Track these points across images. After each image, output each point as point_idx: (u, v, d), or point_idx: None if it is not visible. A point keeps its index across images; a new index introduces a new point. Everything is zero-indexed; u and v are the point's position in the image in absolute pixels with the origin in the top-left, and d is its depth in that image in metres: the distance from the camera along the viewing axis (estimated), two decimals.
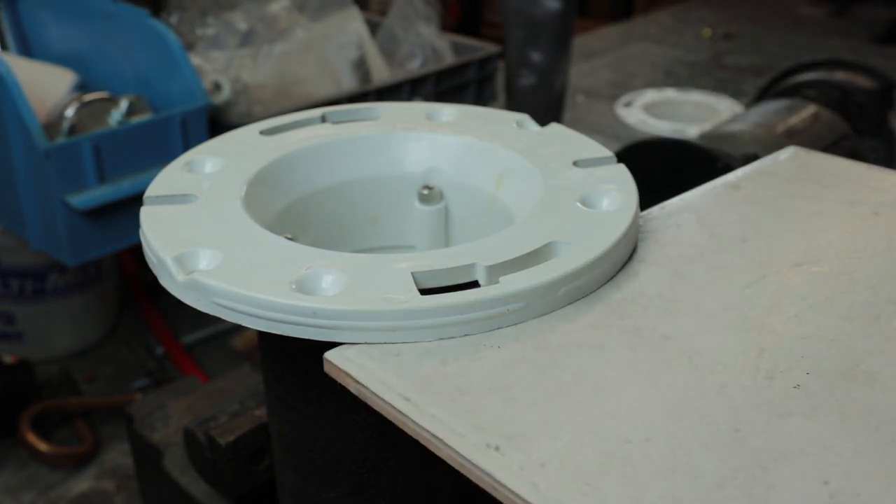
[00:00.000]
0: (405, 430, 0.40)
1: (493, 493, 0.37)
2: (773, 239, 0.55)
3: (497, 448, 0.38)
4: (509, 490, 0.36)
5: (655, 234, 0.55)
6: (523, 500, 0.35)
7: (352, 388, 0.42)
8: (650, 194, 0.77)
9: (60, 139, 1.22)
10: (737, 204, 0.59)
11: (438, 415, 0.40)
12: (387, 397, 0.41)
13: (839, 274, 0.52)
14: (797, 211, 0.59)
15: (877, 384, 0.43)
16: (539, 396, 0.41)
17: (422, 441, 0.40)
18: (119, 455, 1.38)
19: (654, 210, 0.58)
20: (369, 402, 0.42)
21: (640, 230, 0.54)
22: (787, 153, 0.69)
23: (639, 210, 0.52)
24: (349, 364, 0.43)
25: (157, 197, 0.52)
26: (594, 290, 0.48)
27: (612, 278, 0.49)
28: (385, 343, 0.43)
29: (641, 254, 0.52)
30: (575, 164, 0.56)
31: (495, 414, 0.40)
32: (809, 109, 1.30)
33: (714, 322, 0.46)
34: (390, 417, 0.41)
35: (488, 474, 0.37)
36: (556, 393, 0.41)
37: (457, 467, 0.38)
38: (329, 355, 0.43)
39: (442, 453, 0.39)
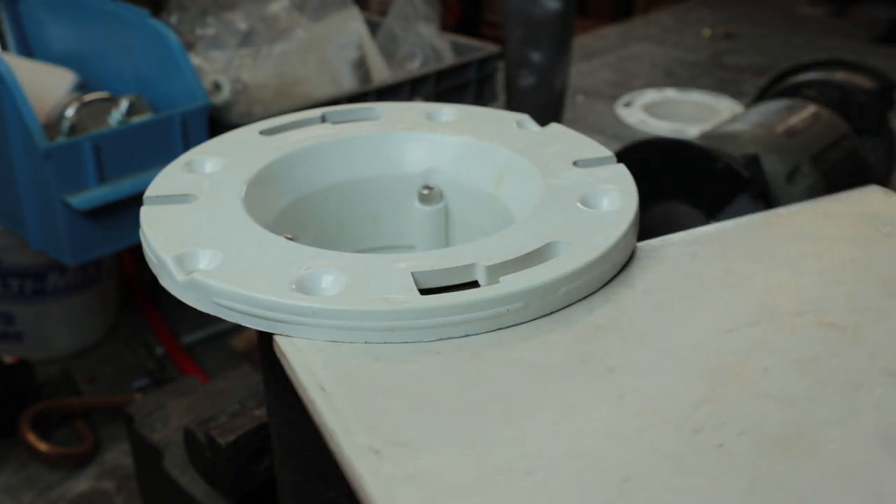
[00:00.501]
0: (315, 419, 0.40)
1: (360, 498, 0.36)
2: (789, 281, 0.51)
3: (377, 452, 0.37)
4: (367, 496, 0.35)
5: (665, 259, 0.52)
6: None
7: (288, 372, 0.43)
8: (650, 194, 0.77)
9: (60, 139, 1.22)
10: (771, 240, 0.54)
11: (342, 409, 0.40)
12: (307, 385, 0.41)
13: (843, 330, 0.47)
14: (835, 255, 0.52)
15: (812, 459, 0.38)
16: (448, 408, 0.40)
17: (322, 433, 0.39)
18: (119, 455, 1.38)
19: (679, 235, 0.54)
20: (297, 389, 0.42)
21: (653, 254, 0.52)
22: (867, 192, 0.61)
23: (639, 210, 0.52)
24: (291, 348, 0.43)
25: (157, 197, 0.52)
26: (567, 307, 0.46)
27: (589, 296, 0.47)
28: (386, 343, 0.43)
29: (636, 278, 0.50)
30: (575, 164, 0.56)
31: (395, 419, 0.39)
32: (809, 109, 1.30)
33: (672, 362, 0.44)
34: (307, 406, 0.41)
35: (358, 478, 0.36)
36: (467, 408, 0.40)
37: (341, 466, 0.38)
38: (278, 338, 0.44)
39: (332, 448, 0.38)
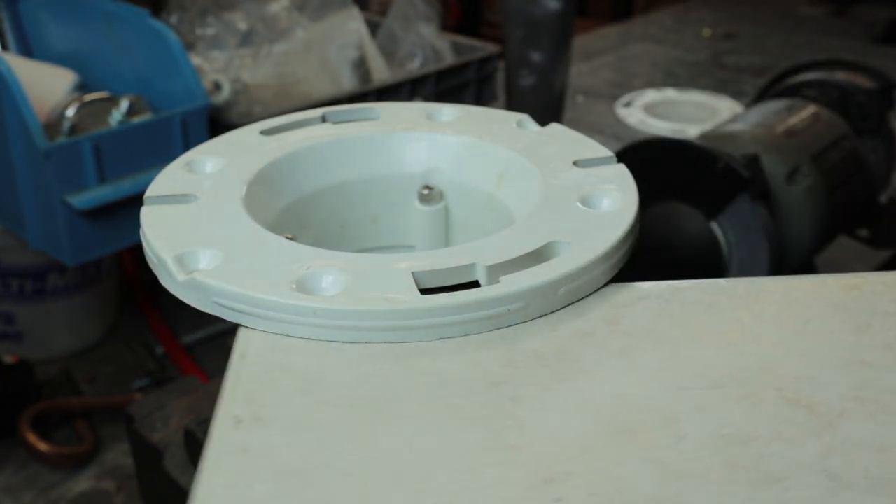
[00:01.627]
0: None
1: None
2: (777, 350, 0.45)
3: (239, 422, 0.39)
4: (203, 456, 0.37)
5: (652, 299, 0.48)
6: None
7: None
8: (650, 194, 0.77)
9: (60, 139, 1.22)
10: (769, 304, 0.48)
11: (243, 377, 0.41)
12: (231, 371, 0.42)
13: (815, 416, 0.40)
14: (835, 335, 0.46)
15: None
16: (331, 400, 0.40)
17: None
18: (119, 455, 1.38)
19: (673, 284, 0.51)
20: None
21: (642, 293, 0.49)
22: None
23: (639, 210, 0.52)
24: (244, 337, 0.44)
25: (158, 197, 0.52)
26: (518, 323, 0.45)
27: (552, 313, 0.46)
28: (387, 343, 0.43)
29: (617, 321, 0.46)
30: (575, 164, 0.56)
31: (278, 398, 0.40)
32: (809, 109, 1.30)
33: (583, 409, 0.40)
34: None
35: (208, 439, 0.38)
36: (347, 403, 0.40)
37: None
38: (241, 329, 0.45)
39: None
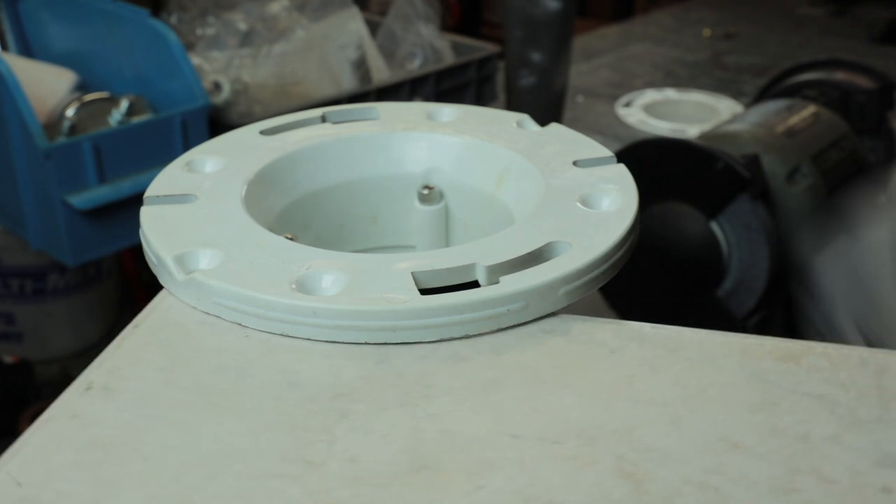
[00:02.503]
0: None
1: None
2: (643, 411, 0.40)
3: (88, 388, 0.40)
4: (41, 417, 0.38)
5: (570, 334, 0.45)
6: None
7: None
8: (650, 194, 0.77)
9: (60, 139, 1.22)
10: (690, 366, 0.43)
11: (125, 345, 0.43)
12: (117, 338, 0.44)
13: (632, 483, 0.36)
14: (721, 398, 0.41)
15: None
16: (182, 382, 0.41)
17: None
18: None
19: (611, 323, 0.46)
20: None
21: (567, 335, 0.45)
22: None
23: (639, 210, 0.52)
24: (149, 308, 0.46)
25: (158, 197, 0.52)
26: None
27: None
28: (386, 343, 0.43)
29: (503, 351, 0.44)
30: (575, 164, 0.56)
31: (136, 370, 0.42)
32: (809, 109, 1.30)
33: (400, 437, 0.39)
34: None
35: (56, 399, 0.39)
36: (193, 388, 0.41)
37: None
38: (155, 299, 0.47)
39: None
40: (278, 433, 0.39)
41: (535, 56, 1.56)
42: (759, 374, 0.42)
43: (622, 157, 0.57)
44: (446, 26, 2.20)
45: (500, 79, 1.73)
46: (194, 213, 0.51)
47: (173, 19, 1.57)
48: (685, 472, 0.37)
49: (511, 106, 1.60)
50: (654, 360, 0.43)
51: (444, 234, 0.62)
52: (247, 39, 1.56)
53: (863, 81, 1.39)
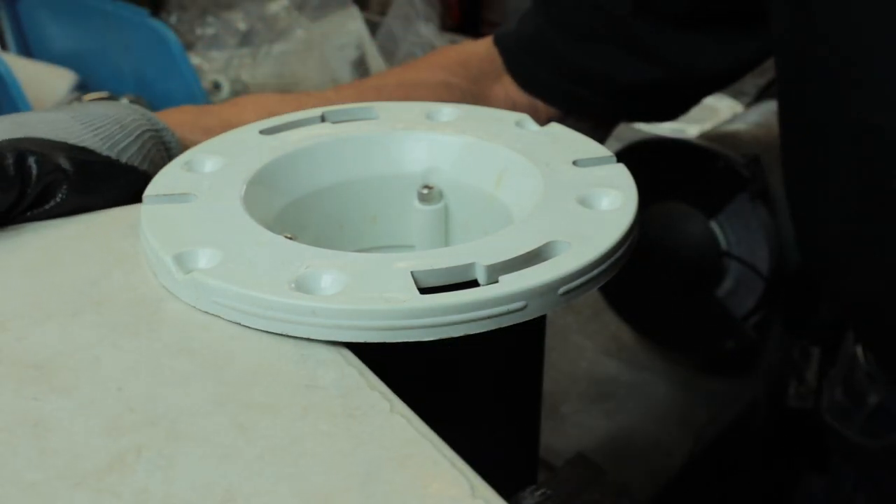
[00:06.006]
0: None
1: None
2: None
3: None
4: None
5: None
6: None
7: None
8: (650, 194, 0.77)
9: None
10: None
11: None
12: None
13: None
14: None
15: None
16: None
17: None
18: None
19: None
20: None
21: None
22: None
23: (639, 210, 0.52)
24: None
25: (157, 196, 0.52)
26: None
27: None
28: (385, 343, 0.43)
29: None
30: (575, 163, 0.56)
31: None
32: None
33: None
34: None
35: None
36: None
37: None
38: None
39: None
40: None
41: None
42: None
43: (622, 157, 0.57)
44: (446, 26, 2.20)
45: None
46: (193, 212, 0.51)
47: (173, 19, 1.57)
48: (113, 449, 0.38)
49: None
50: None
51: (444, 234, 0.62)
52: (246, 39, 1.56)
53: None
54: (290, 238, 0.49)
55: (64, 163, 0.53)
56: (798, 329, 1.11)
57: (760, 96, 1.48)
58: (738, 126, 1.26)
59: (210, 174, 0.55)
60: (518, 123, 0.62)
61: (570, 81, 0.85)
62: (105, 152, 0.56)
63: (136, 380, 0.41)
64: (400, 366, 0.50)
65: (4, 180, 0.50)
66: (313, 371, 0.42)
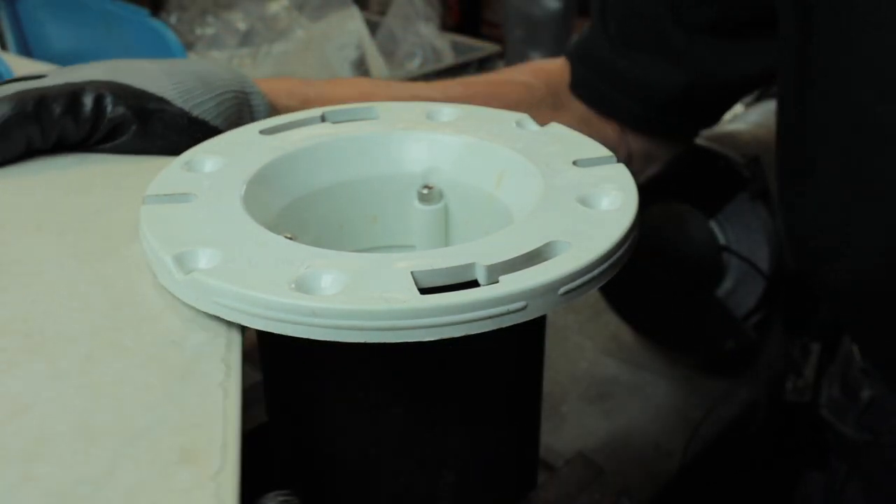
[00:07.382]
0: None
1: None
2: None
3: None
4: None
5: None
6: None
7: None
8: (651, 194, 0.77)
9: None
10: None
11: None
12: None
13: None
14: None
15: None
16: None
17: None
18: None
19: None
20: None
21: None
22: None
23: (639, 210, 0.52)
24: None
25: (157, 196, 0.52)
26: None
27: None
28: (385, 343, 0.43)
29: None
30: (575, 163, 0.56)
31: None
32: None
33: None
34: None
35: None
36: None
37: None
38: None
39: None
40: None
41: (535, 55, 1.56)
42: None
43: None
44: (446, 26, 2.20)
45: None
46: (193, 212, 0.51)
47: (173, 19, 1.57)
48: None
49: None
50: None
51: (444, 234, 0.62)
52: (246, 39, 1.56)
53: None
54: (290, 238, 0.49)
55: (135, 108, 0.58)
56: (798, 329, 1.11)
57: (760, 96, 1.48)
58: (738, 126, 1.26)
59: (210, 174, 0.55)
60: (518, 123, 0.62)
61: (619, 91, 0.89)
62: (179, 104, 0.60)
63: (52, 298, 0.43)
64: (400, 366, 0.50)
65: (80, 117, 0.57)
66: (188, 332, 0.44)
